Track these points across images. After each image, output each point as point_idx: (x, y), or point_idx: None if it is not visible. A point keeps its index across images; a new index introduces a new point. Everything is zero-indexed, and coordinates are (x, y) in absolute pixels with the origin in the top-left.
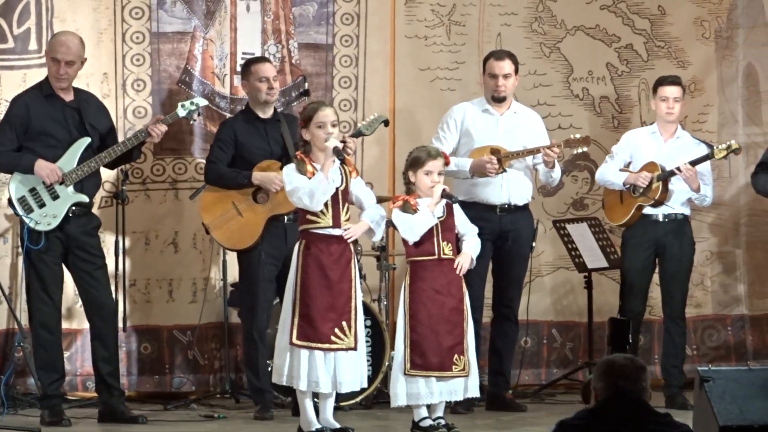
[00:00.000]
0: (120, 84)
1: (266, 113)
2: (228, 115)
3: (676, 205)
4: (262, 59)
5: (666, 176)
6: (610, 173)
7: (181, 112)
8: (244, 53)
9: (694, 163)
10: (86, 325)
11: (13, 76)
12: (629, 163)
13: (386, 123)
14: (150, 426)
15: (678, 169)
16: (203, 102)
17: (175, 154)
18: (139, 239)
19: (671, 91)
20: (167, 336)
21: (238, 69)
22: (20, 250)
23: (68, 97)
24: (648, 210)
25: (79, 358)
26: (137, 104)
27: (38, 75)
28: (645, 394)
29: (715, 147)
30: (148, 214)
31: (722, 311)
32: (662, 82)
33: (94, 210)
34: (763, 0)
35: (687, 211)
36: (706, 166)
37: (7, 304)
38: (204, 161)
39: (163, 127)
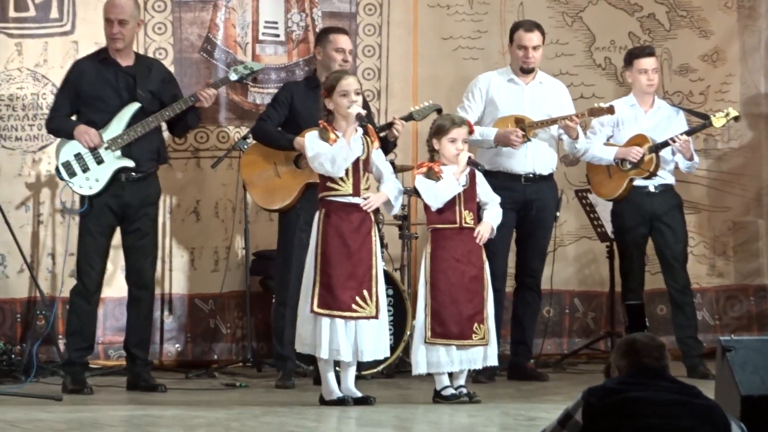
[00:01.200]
0: (142, 53)
1: None
2: (249, 84)
3: (665, 174)
4: (342, 30)
5: (659, 147)
6: (597, 149)
7: (233, 77)
8: (266, 22)
9: (689, 132)
10: (107, 294)
11: (35, 44)
12: (610, 137)
13: (439, 111)
14: (171, 394)
15: (673, 139)
16: (258, 66)
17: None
18: (161, 208)
19: (649, 63)
20: (189, 304)
21: (261, 38)
22: (42, 218)
23: (126, 62)
24: (638, 182)
25: (101, 327)
26: None
27: (59, 43)
28: (667, 370)
29: (712, 116)
30: (170, 183)
31: (744, 281)
32: (639, 54)
33: None
34: None
35: (673, 180)
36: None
37: (29, 272)
38: (226, 130)
39: (212, 91)
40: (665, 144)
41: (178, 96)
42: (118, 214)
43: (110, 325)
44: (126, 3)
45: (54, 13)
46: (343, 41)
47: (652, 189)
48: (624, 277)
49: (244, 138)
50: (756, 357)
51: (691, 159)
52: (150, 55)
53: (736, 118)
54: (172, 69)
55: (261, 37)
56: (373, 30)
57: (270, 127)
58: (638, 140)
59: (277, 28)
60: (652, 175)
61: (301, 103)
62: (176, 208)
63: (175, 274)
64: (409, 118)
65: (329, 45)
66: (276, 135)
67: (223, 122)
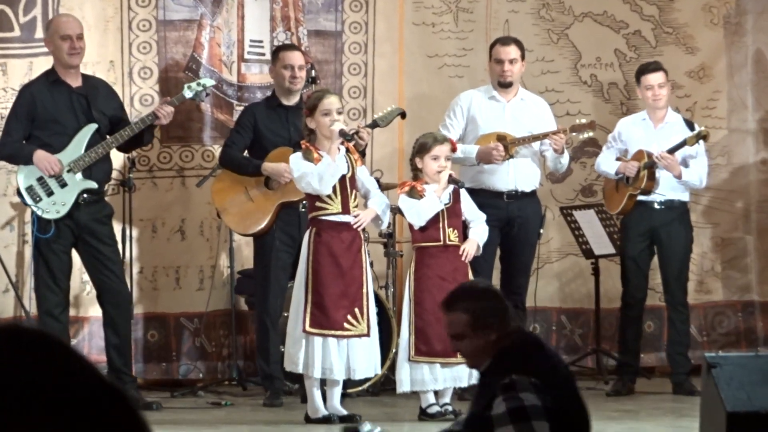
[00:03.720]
0: (126, 72)
1: (290, 100)
2: (235, 102)
3: (667, 191)
4: (291, 47)
5: (650, 165)
6: (605, 163)
7: (188, 93)
8: (252, 41)
9: (671, 150)
10: (92, 313)
11: (19, 64)
12: (626, 151)
13: (403, 115)
14: (157, 413)
15: (657, 157)
16: (210, 82)
17: (182, 141)
18: (146, 227)
19: (655, 78)
20: (174, 323)
21: (246, 56)
22: (27, 238)
23: (75, 83)
24: (643, 197)
25: (86, 346)
26: (144, 92)
27: (44, 63)
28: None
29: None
30: (155, 202)
31: (732, 297)
32: (644, 71)
33: None
34: None
35: (685, 197)
36: (699, 149)
37: (14, 292)
38: (211, 149)
39: (170, 108)
40: (655, 161)
41: (124, 113)
42: (75, 234)
43: (96, 344)
44: (74, 18)
45: (39, 33)
46: (290, 57)
47: (656, 205)
48: (624, 289)
49: None
50: (741, 373)
51: (679, 176)
52: (135, 74)
53: (705, 137)
54: (156, 88)
55: (246, 56)
56: (359, 48)
57: (236, 153)
58: (637, 156)
59: (262, 46)
60: (645, 192)
61: (264, 125)
62: (161, 227)
63: (160, 292)
64: (373, 125)
65: (278, 63)
66: (243, 162)
67: (208, 141)
